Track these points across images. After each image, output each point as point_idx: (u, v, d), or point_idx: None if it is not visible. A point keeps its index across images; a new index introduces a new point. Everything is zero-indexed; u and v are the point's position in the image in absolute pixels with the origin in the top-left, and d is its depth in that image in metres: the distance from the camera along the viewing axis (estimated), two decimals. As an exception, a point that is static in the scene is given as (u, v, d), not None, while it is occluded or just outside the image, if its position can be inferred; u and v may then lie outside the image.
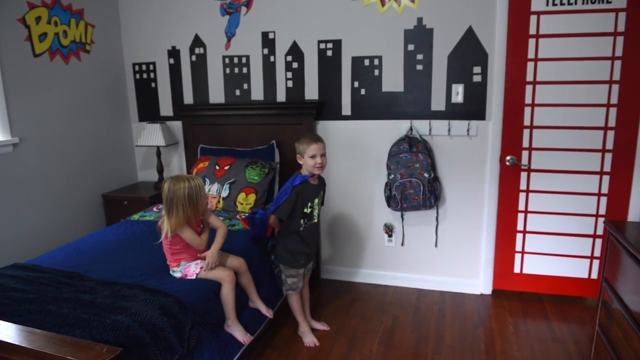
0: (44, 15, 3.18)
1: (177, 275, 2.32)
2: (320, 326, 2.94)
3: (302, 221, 2.60)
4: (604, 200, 3.07)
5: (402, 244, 3.50)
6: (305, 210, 2.59)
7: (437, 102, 3.21)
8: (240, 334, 2.31)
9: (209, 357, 2.09)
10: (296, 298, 2.77)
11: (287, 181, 2.60)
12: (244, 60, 3.56)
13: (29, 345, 1.52)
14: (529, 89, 3.03)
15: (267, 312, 2.55)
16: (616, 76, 2.89)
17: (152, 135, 3.65)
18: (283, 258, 2.68)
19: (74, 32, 3.43)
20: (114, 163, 3.86)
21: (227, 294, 2.29)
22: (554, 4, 2.90)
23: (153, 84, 3.86)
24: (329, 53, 3.36)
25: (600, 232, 3.10)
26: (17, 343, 1.53)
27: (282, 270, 2.72)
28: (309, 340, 2.78)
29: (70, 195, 3.45)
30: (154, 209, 3.28)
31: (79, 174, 3.53)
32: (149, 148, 3.90)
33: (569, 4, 2.88)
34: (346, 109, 3.41)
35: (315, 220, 2.69)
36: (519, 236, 3.26)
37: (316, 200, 2.64)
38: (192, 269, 2.32)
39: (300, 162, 2.60)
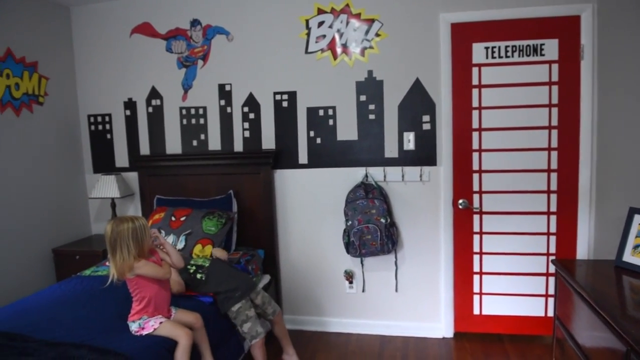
0: (-5, 69, 3.15)
1: (134, 328, 2.22)
2: None
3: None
4: (553, 239, 3.19)
5: (363, 290, 3.49)
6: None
7: (390, 150, 3.32)
8: None
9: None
10: (260, 352, 2.70)
11: None
12: (200, 111, 3.60)
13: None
14: (475, 135, 3.19)
15: None
16: (554, 122, 3.09)
17: (106, 186, 3.58)
18: (221, 304, 2.65)
19: (27, 84, 3.40)
20: (66, 216, 3.74)
21: (182, 355, 2.18)
22: (492, 57, 3.11)
23: (109, 135, 3.82)
24: (285, 104, 3.45)
25: (552, 270, 3.20)
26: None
27: (236, 321, 2.66)
28: None
29: (18, 251, 3.30)
30: (107, 263, 3.17)
31: (29, 228, 3.39)
32: (104, 200, 3.82)
33: (507, 56, 3.10)
34: (303, 158, 3.47)
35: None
36: (476, 278, 3.32)
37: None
38: (150, 324, 2.23)
39: None
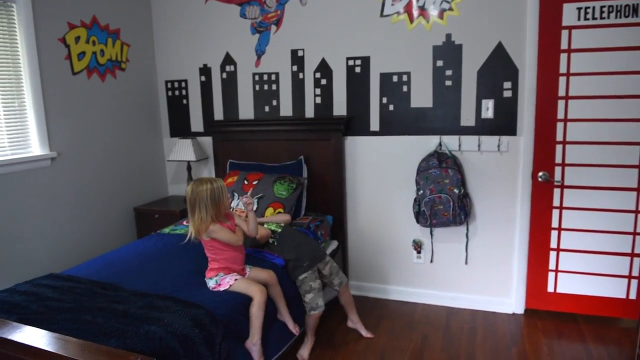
0: (83, 35, 3.32)
1: (211, 284, 2.34)
2: (365, 333, 3.02)
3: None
4: (641, 217, 2.98)
5: (432, 261, 3.45)
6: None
7: (467, 118, 3.19)
8: (257, 356, 2.24)
9: (238, 370, 2.08)
10: (314, 322, 2.75)
11: None
12: (273, 77, 3.62)
13: (65, 353, 1.55)
14: (561, 104, 2.99)
15: (294, 329, 2.53)
16: (652, 90, 2.83)
17: (183, 150, 3.72)
18: (291, 271, 2.69)
19: (111, 51, 3.56)
20: (146, 177, 3.95)
21: (257, 310, 2.26)
22: (585, 19, 2.87)
23: (185, 101, 3.95)
24: (358, 70, 3.39)
25: (638, 250, 3.00)
26: (53, 351, 1.56)
27: (300, 290, 2.70)
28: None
29: (103, 208, 3.54)
30: (184, 222, 3.33)
31: (113, 187, 3.62)
32: (180, 163, 3.98)
33: (602, 18, 2.85)
34: (375, 125, 3.41)
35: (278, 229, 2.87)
36: (553, 254, 3.17)
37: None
38: (226, 280, 2.33)
39: None
